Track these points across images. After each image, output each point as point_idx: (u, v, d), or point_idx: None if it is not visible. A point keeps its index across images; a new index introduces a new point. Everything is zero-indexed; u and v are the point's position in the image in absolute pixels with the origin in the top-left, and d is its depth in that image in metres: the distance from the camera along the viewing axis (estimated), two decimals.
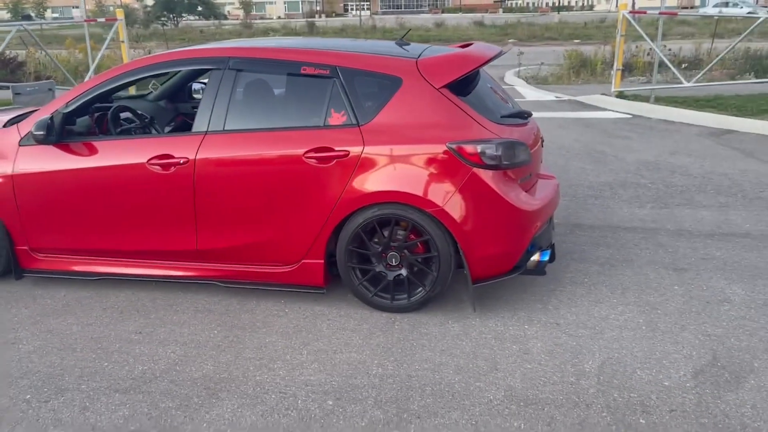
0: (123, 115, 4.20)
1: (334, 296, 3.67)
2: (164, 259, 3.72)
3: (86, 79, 10.26)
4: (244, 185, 3.47)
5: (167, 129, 4.61)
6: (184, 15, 46.72)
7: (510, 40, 28.15)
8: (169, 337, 3.28)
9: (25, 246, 3.82)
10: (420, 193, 3.28)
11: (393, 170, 3.33)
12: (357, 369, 2.97)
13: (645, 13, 11.66)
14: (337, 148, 3.36)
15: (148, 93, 4.93)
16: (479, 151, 3.26)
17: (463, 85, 3.48)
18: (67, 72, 10.87)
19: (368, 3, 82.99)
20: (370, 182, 3.34)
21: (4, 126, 3.93)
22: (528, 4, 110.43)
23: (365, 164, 3.34)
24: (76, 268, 3.83)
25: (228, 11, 57.37)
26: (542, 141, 3.99)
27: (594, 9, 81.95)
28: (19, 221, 3.76)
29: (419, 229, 3.36)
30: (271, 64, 3.58)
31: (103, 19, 11.38)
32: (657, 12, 10.30)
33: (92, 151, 3.66)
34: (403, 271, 3.47)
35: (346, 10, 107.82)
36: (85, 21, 10.40)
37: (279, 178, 3.43)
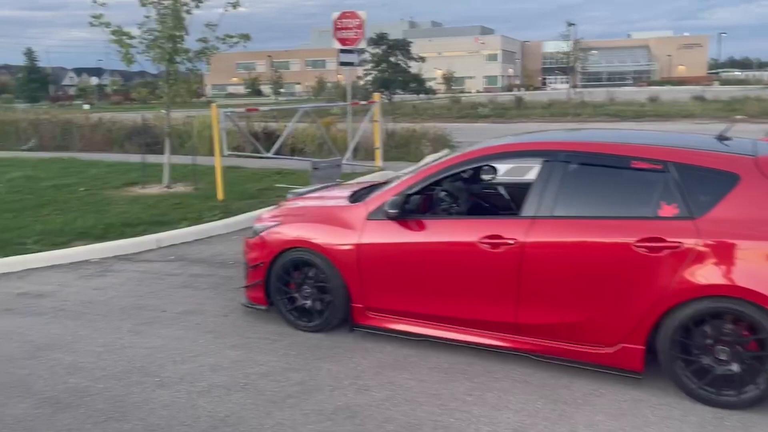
0: (441, 194, 4.77)
1: (648, 382, 3.72)
2: (480, 327, 4.07)
3: (349, 151, 11.61)
4: (569, 268, 3.73)
5: (464, 208, 5.10)
6: (398, 91, 50.73)
7: (738, 116, 26.13)
8: (500, 403, 3.57)
9: (360, 304, 4.44)
10: (763, 291, 3.27)
11: (731, 264, 3.36)
12: None
13: None
14: (669, 239, 3.49)
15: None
16: None
17: None
18: (333, 146, 12.39)
19: (567, 76, 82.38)
20: (704, 275, 3.40)
21: (350, 202, 4.68)
22: (747, 75, 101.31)
23: (699, 256, 3.42)
24: (399, 327, 4.34)
25: (430, 86, 60.83)
26: None
27: None
28: (358, 283, 4.39)
29: (756, 326, 3.32)
30: (600, 158, 3.86)
31: (365, 102, 12.91)
32: None
33: (423, 227, 4.21)
34: (734, 367, 3.43)
35: (543, 84, 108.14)
36: (351, 104, 11.94)
37: (605, 264, 3.64)
